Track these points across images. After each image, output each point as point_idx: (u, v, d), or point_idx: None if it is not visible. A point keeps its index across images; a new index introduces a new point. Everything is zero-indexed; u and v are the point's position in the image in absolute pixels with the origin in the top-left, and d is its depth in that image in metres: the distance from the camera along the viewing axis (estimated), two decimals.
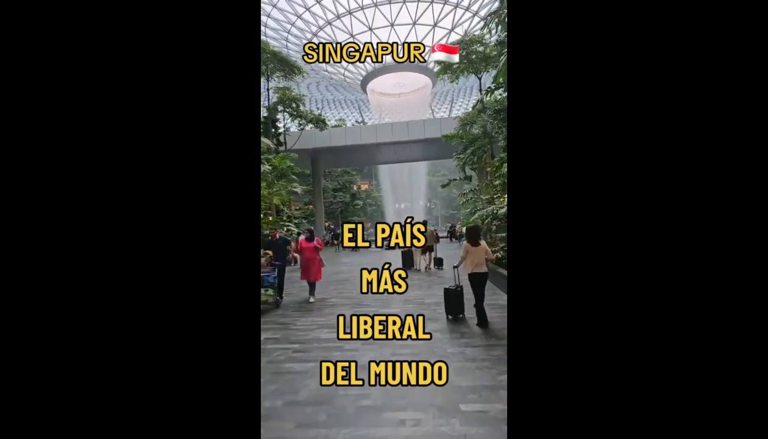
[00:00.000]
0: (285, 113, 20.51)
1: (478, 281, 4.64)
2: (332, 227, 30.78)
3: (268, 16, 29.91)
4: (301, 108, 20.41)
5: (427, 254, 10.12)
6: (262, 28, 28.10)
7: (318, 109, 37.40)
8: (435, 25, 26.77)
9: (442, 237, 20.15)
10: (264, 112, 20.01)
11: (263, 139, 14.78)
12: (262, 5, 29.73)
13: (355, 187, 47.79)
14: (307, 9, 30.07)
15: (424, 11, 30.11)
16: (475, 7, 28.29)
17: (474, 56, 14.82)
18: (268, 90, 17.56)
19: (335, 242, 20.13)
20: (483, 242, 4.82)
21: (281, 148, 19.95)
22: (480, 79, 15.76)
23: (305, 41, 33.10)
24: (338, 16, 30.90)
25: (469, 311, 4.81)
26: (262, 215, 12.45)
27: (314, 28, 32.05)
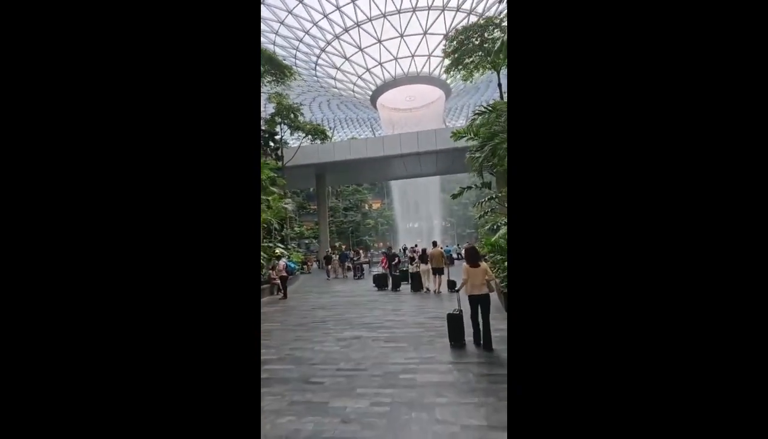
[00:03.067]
0: (282, 125, 18.34)
1: (477, 303, 4.42)
2: (343, 248, 27.93)
3: (276, 33, 28.79)
4: (300, 118, 18.19)
5: (437, 276, 9.23)
6: (272, 46, 26.75)
7: (330, 127, 35.80)
8: (447, 34, 24.61)
9: (458, 259, 17.21)
10: (263, 125, 17.96)
11: (270, 161, 12.47)
12: (270, 23, 28.99)
13: (366, 206, 45.61)
14: (315, 24, 28.78)
15: (435, 20, 28.17)
16: (489, 15, 26.03)
17: (488, 45, 12.13)
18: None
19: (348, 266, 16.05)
20: (483, 263, 4.62)
21: (279, 164, 17.70)
22: (498, 73, 12.91)
23: (313, 57, 31.80)
24: (346, 30, 29.41)
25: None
26: None
27: (322, 43, 30.68)
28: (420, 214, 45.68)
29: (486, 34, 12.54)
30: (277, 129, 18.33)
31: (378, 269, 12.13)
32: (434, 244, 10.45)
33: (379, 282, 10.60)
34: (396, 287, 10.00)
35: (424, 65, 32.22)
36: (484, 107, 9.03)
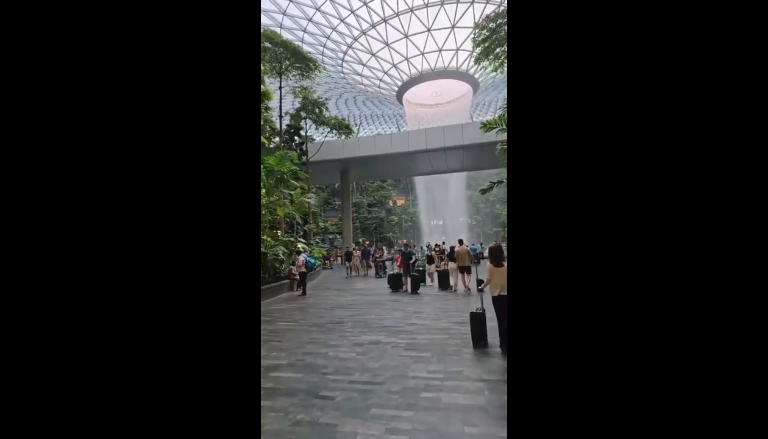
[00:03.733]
0: (307, 120, 18.18)
1: (502, 304, 4.09)
2: (366, 244, 27.59)
3: (305, 31, 28.81)
4: (324, 113, 17.94)
5: (465, 274, 9.14)
6: (299, 43, 26.76)
7: (356, 124, 35.53)
8: (477, 22, 23.50)
9: (484, 258, 16.42)
10: (288, 120, 17.91)
11: (291, 153, 12.29)
12: (298, 20, 29.08)
13: (390, 203, 45.09)
14: (342, 20, 28.51)
15: (464, 13, 27.04)
16: None
17: None
18: (280, 88, 15.16)
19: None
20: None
21: (303, 158, 17.59)
22: None
23: (340, 54, 31.60)
24: (373, 25, 28.92)
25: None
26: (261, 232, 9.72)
27: (349, 40, 30.38)
28: (445, 212, 44.57)
29: None
30: (302, 124, 18.20)
31: (397, 267, 11.33)
32: (460, 242, 10.05)
33: (394, 283, 9.71)
34: (415, 289, 9.12)
35: (451, 60, 31.15)
36: None
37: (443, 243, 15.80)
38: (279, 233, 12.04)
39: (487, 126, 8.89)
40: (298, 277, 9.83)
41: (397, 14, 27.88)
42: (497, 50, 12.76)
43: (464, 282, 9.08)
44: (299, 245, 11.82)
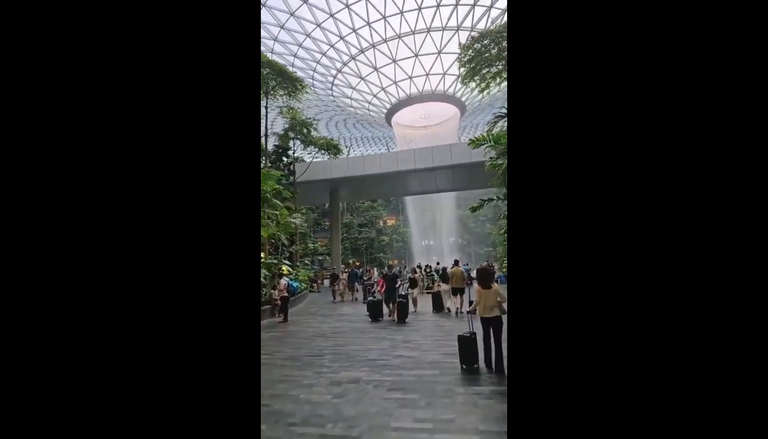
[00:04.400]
0: (295, 140, 17.90)
1: (489, 325, 4.27)
2: (356, 265, 26.74)
3: (295, 56, 29.18)
4: (312, 133, 17.71)
5: (458, 296, 8.77)
6: (290, 68, 26.98)
7: (346, 146, 35.54)
8: (462, 47, 24.14)
9: (473, 279, 15.86)
10: (274, 140, 17.60)
11: (273, 171, 11.83)
12: (289, 46, 29.53)
13: (381, 222, 44.60)
14: (332, 46, 29.02)
15: (449, 40, 27.84)
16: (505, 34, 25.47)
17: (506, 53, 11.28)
18: (266, 107, 14.88)
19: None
20: (495, 285, 4.39)
21: (291, 178, 17.17)
22: None
23: (330, 77, 32.00)
24: (362, 51, 29.48)
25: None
26: None
27: (339, 65, 30.84)
28: (435, 232, 44.21)
29: (504, 43, 11.72)
30: (290, 144, 17.89)
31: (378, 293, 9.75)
32: (456, 262, 9.57)
33: (373, 311, 8.26)
34: (402, 318, 7.87)
35: (438, 83, 31.84)
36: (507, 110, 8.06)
37: (437, 264, 15.32)
38: (262, 255, 11.38)
39: (475, 143, 8.62)
40: (279, 302, 9.11)
41: (385, 40, 28.57)
42: (483, 71, 12.83)
43: (459, 304, 8.67)
44: (284, 268, 11.15)
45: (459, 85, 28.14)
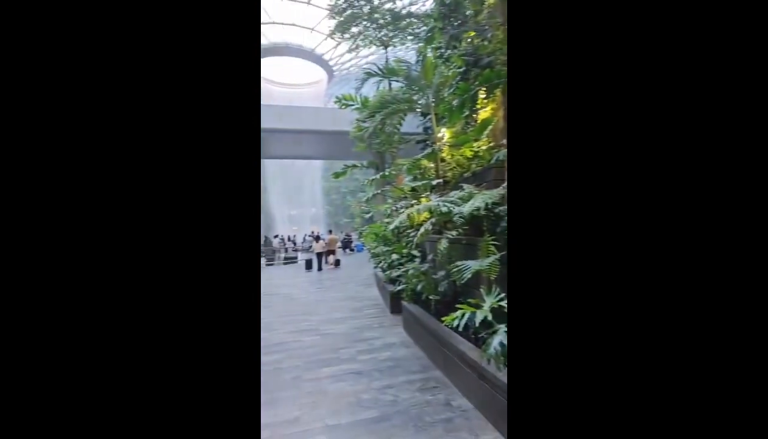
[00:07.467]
0: None
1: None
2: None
3: None
4: None
5: (331, 256, 14.05)
6: None
7: None
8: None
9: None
10: None
11: None
12: None
13: None
14: None
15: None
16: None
17: (378, 15, 10.70)
18: None
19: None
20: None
21: None
22: (386, 49, 11.70)
23: None
24: None
25: None
26: None
27: None
28: (300, 201, 42.32)
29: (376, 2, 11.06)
30: None
31: None
32: (330, 231, 14.75)
33: None
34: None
35: (305, 39, 29.00)
36: (379, 68, 7.41)
37: (312, 232, 19.34)
38: None
39: (342, 101, 7.80)
40: None
41: None
42: (353, 29, 11.93)
43: (331, 263, 14.03)
44: None
45: (328, 47, 26.29)
